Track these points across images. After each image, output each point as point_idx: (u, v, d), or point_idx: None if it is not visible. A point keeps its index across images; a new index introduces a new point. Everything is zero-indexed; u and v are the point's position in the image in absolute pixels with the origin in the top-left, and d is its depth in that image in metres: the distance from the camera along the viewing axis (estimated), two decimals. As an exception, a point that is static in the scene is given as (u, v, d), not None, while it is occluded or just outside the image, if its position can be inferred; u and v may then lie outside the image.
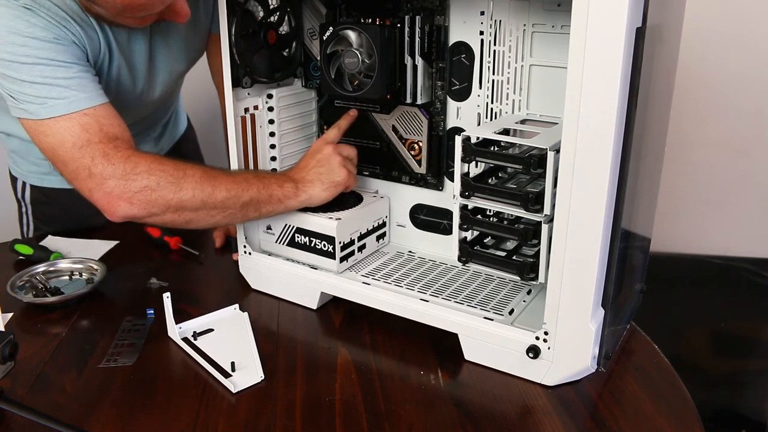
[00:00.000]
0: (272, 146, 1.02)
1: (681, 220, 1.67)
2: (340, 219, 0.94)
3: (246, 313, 0.94)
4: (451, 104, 0.95)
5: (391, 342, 0.88)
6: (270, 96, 0.99)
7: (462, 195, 0.82)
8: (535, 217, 0.78)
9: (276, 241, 1.01)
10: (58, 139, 0.85)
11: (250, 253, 1.01)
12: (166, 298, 0.88)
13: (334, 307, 0.98)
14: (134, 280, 1.06)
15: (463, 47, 0.91)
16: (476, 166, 0.88)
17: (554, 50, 0.85)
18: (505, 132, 0.85)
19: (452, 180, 0.94)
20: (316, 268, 0.97)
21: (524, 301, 0.89)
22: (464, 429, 0.72)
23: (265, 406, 0.76)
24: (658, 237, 1.15)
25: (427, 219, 1.03)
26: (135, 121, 1.11)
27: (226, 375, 0.80)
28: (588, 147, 0.67)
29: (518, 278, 0.82)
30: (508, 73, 0.89)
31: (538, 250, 0.79)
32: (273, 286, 1.01)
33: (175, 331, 0.89)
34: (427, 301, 0.88)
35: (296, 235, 0.97)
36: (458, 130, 0.94)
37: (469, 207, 0.83)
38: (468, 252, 0.85)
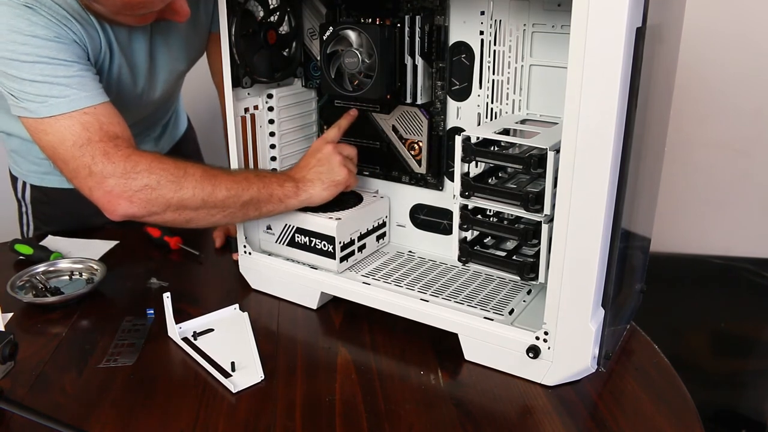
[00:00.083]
0: (272, 146, 1.02)
1: (681, 220, 1.67)
2: (340, 219, 0.94)
3: (246, 313, 0.94)
4: (451, 104, 0.95)
5: (391, 342, 0.88)
6: (270, 96, 0.99)
7: (462, 195, 0.82)
8: (535, 217, 0.78)
9: (276, 241, 1.01)
10: (59, 138, 0.85)
11: (250, 253, 1.01)
12: (166, 298, 0.88)
13: (334, 307, 0.98)
14: (134, 280, 1.06)
15: (463, 47, 0.91)
16: (476, 166, 0.88)
17: (554, 50, 0.85)
18: (505, 132, 0.85)
19: (452, 180, 0.94)
20: (316, 268, 0.97)
21: (524, 301, 0.89)
22: (464, 429, 0.72)
23: (265, 406, 0.76)
24: (658, 237, 1.15)
25: (427, 219, 1.03)
26: (135, 121, 1.11)
27: (226, 375, 0.80)
28: (588, 147, 0.67)
29: (518, 278, 0.82)
30: (508, 73, 0.89)
31: (538, 250, 0.79)
32: (273, 286, 1.01)
33: (175, 331, 0.89)
34: (427, 301, 0.88)
35: (296, 235, 0.97)
36: (458, 130, 0.94)
37: (469, 207, 0.83)
38: (468, 252, 0.85)
